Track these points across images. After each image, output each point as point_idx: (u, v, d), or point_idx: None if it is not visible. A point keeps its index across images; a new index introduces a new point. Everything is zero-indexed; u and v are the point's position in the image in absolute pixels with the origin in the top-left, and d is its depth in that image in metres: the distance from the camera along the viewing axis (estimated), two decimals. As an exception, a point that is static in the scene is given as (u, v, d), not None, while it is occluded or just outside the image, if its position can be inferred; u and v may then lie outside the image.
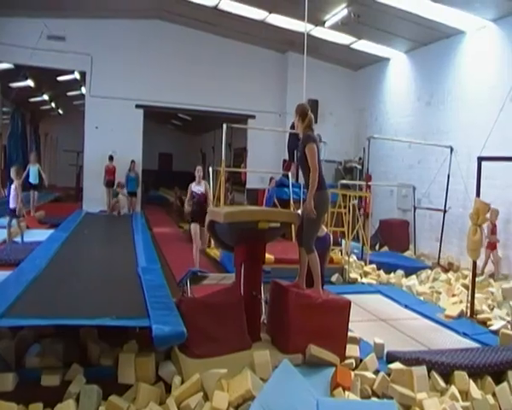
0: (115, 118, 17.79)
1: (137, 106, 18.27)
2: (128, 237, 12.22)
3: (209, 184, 13.97)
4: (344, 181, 14.57)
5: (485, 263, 11.12)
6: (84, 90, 19.40)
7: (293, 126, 6.27)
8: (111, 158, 17.57)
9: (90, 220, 15.36)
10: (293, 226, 7.21)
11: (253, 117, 19.05)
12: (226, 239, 6.57)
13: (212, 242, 11.73)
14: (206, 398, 4.90)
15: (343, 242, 12.22)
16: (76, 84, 22.28)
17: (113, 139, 17.77)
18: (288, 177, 14.87)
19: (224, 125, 12.69)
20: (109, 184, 17.69)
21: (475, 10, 12.07)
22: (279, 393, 4.50)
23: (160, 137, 32.20)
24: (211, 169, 14.27)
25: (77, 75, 19.83)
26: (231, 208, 7.04)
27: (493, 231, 11.01)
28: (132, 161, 17.87)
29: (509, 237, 10.90)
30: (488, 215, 10.02)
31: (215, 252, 11.95)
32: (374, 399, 5.16)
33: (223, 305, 5.70)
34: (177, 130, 34.45)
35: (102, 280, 7.43)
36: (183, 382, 5.05)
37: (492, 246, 11.03)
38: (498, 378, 5.71)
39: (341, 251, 11.88)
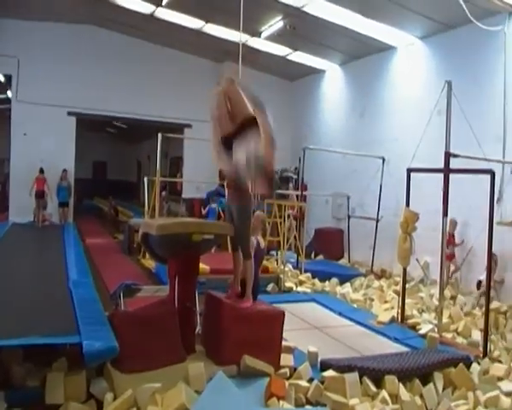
0: (45, 125, 17.12)
1: (69, 113, 17.77)
2: (59, 249, 11.86)
3: (144, 194, 13.81)
4: (280, 191, 14.70)
5: (449, 271, 11.02)
6: (10, 94, 18.62)
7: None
8: (41, 171, 16.86)
9: (17, 232, 14.80)
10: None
11: (189, 126, 18.96)
12: (159, 251, 6.50)
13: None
14: (140, 413, 4.82)
15: (279, 252, 12.32)
16: (1, 88, 21.26)
17: (43, 147, 17.05)
18: (223, 186, 14.83)
19: (159, 135, 12.56)
20: (38, 194, 16.90)
21: (404, 28, 12.61)
22: (213, 406, 4.47)
23: (94, 145, 31.43)
24: (146, 179, 14.06)
25: (1, 78, 18.80)
26: (164, 220, 6.96)
27: (449, 241, 10.76)
28: (64, 170, 17.35)
29: (434, 243, 11.15)
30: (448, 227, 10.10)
31: (150, 263, 11.79)
32: (308, 407, 5.22)
33: (156, 318, 5.62)
34: (113, 138, 33.77)
35: (29, 296, 7.11)
36: (115, 398, 4.94)
37: (450, 256, 10.91)
38: (426, 380, 5.94)
39: (277, 260, 11.97)
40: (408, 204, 8.65)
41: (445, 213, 8.02)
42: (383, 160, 13.47)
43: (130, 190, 30.56)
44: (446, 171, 7.95)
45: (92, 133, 29.59)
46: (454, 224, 10.94)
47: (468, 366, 6.41)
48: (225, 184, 14.63)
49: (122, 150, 34.58)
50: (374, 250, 13.25)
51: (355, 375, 5.55)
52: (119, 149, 34.57)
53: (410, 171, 8.63)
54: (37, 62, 17.04)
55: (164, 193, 17.42)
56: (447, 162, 7.91)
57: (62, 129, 17.54)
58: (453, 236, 11.10)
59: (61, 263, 9.93)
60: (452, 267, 11.15)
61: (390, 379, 5.68)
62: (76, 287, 7.39)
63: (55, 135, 17.31)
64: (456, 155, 7.91)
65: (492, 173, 7.40)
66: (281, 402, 5.05)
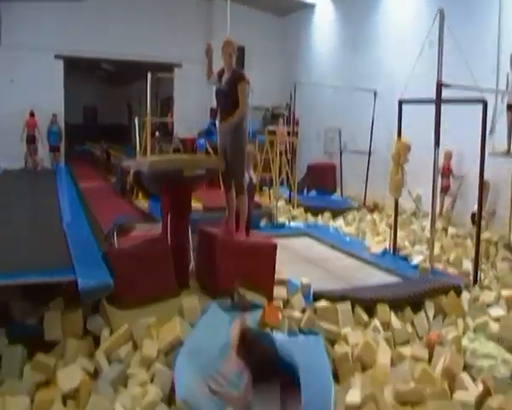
0: (32, 70, 16.83)
1: (56, 56, 17.42)
2: (51, 193, 11.74)
3: (135, 136, 13.70)
4: (271, 127, 14.60)
5: (444, 203, 11.18)
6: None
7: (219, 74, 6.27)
8: (32, 114, 16.65)
9: (9, 177, 14.69)
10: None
11: (179, 66, 18.67)
12: (152, 189, 6.51)
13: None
14: (136, 347, 4.91)
15: (271, 188, 12.36)
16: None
17: (31, 93, 16.76)
18: (214, 125, 14.74)
19: (149, 74, 12.37)
20: (29, 139, 16.73)
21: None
22: (207, 335, 4.55)
23: (83, 90, 30.98)
24: (137, 120, 13.93)
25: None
26: (156, 157, 6.94)
27: (445, 173, 10.90)
28: (54, 115, 17.13)
29: (426, 175, 11.10)
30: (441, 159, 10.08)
31: (143, 203, 11.80)
32: (301, 335, 5.32)
33: (150, 254, 5.67)
34: (102, 82, 33.23)
35: (23, 237, 7.11)
36: (112, 333, 5.03)
37: (446, 188, 11.01)
38: (417, 308, 6.05)
39: (269, 196, 12.01)
40: (400, 136, 8.63)
41: (437, 144, 7.97)
42: (375, 93, 13.35)
43: (121, 134, 30.29)
44: (438, 101, 7.87)
45: (81, 78, 29.11)
46: (449, 155, 10.92)
47: (459, 293, 6.50)
48: (217, 121, 14.66)
49: (112, 94, 34.10)
50: (366, 184, 13.29)
51: (347, 304, 5.65)
52: (109, 92, 34.09)
53: (401, 102, 8.58)
54: (19, 5, 16.50)
55: (157, 134, 17.27)
56: (439, 92, 7.82)
57: (50, 73, 17.24)
58: (449, 167, 11.11)
59: (55, 206, 9.85)
60: (448, 200, 11.17)
61: (382, 308, 5.78)
62: (70, 228, 7.38)
63: (43, 79, 17.01)
64: (447, 85, 7.80)
65: (485, 103, 7.36)
66: (274, 332, 5.14)
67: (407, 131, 8.70)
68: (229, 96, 5.99)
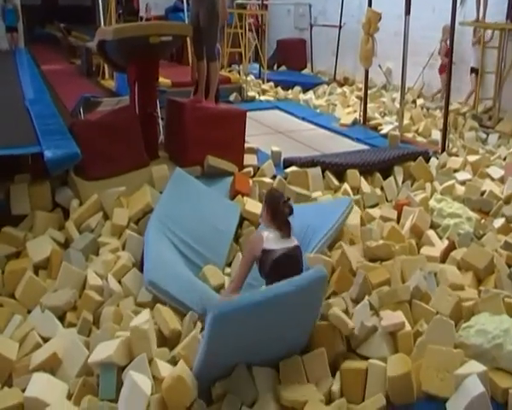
0: None
1: None
2: (11, 73, 11.28)
3: (99, 15, 13.00)
4: (241, 0, 13.99)
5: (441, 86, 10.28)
6: None
7: None
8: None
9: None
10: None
11: None
12: (117, 59, 6.27)
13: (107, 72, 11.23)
14: (106, 217, 4.91)
15: (241, 65, 12.05)
16: None
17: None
18: (182, 1, 14.04)
19: None
20: None
21: None
22: (177, 199, 4.56)
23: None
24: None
25: None
26: (121, 25, 6.61)
27: (446, 52, 9.53)
28: (7, -9, 16.09)
29: (397, 48, 10.80)
30: (441, 36, 9.84)
31: (109, 83, 11.43)
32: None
33: (117, 124, 5.51)
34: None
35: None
36: (81, 205, 4.99)
37: (443, 69, 9.88)
38: (386, 174, 6.14)
39: (239, 71, 11.74)
40: (370, 4, 8.40)
41: (408, 12, 7.76)
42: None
43: (84, 15, 28.76)
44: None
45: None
46: (447, 31, 9.54)
47: (427, 160, 6.62)
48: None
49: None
50: (336, 58, 13.02)
51: (317, 169, 5.70)
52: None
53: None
54: None
55: (120, 12, 16.41)
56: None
57: None
58: (447, 45, 9.91)
59: (16, 85, 9.51)
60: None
61: (352, 173, 5.86)
62: (33, 104, 7.14)
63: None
64: None
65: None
66: (245, 198, 5.18)
67: (378, 1, 8.44)
68: None
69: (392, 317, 3.44)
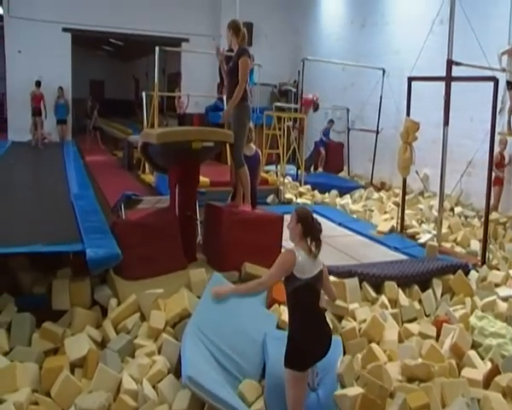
0: (41, 42, 16.61)
1: (64, 29, 17.25)
2: (59, 166, 11.80)
3: (142, 110, 13.63)
4: (279, 104, 14.48)
5: (496, 200, 9.69)
6: (1, 10, 17.96)
7: (229, 50, 6.37)
8: (38, 84, 16.35)
9: (18, 150, 14.70)
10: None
11: (186, 40, 18.44)
12: (160, 161, 6.47)
13: (147, 166, 11.59)
14: (143, 318, 4.92)
15: (278, 165, 12.31)
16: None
17: (39, 65, 16.60)
18: (222, 100, 14.64)
19: (157, 48, 12.26)
20: (35, 112, 16.37)
21: None
22: (214, 305, 4.54)
23: (90, 64, 30.71)
24: (144, 94, 13.86)
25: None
26: (164, 129, 6.88)
27: (500, 163, 9.41)
28: (60, 87, 16.99)
29: (434, 155, 10.97)
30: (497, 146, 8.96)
31: (150, 177, 11.78)
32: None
33: (157, 225, 5.64)
34: (109, 56, 32.99)
35: (33, 208, 7.16)
36: (119, 304, 5.04)
37: (499, 181, 9.54)
38: (424, 286, 6.03)
39: (277, 173, 11.96)
40: (408, 114, 8.55)
41: (446, 123, 7.90)
42: (383, 71, 13.23)
43: (128, 109, 30.12)
44: (448, 79, 7.77)
45: (88, 52, 28.88)
46: (504, 142, 9.46)
47: (467, 273, 6.46)
48: (224, 97, 14.58)
49: (119, 68, 33.87)
50: (373, 163, 13.22)
51: (355, 280, 5.64)
52: (116, 67, 33.86)
53: (410, 79, 8.49)
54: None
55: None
56: (449, 70, 7.73)
57: (58, 46, 17.02)
58: (503, 156, 9.68)
59: (62, 178, 9.89)
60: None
61: (390, 285, 5.77)
62: (78, 199, 7.39)
63: (51, 52, 16.83)
64: (458, 63, 7.72)
65: (496, 81, 7.24)
66: (282, 307, 5.14)
67: (415, 110, 8.62)
68: (234, 72, 6.01)
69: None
